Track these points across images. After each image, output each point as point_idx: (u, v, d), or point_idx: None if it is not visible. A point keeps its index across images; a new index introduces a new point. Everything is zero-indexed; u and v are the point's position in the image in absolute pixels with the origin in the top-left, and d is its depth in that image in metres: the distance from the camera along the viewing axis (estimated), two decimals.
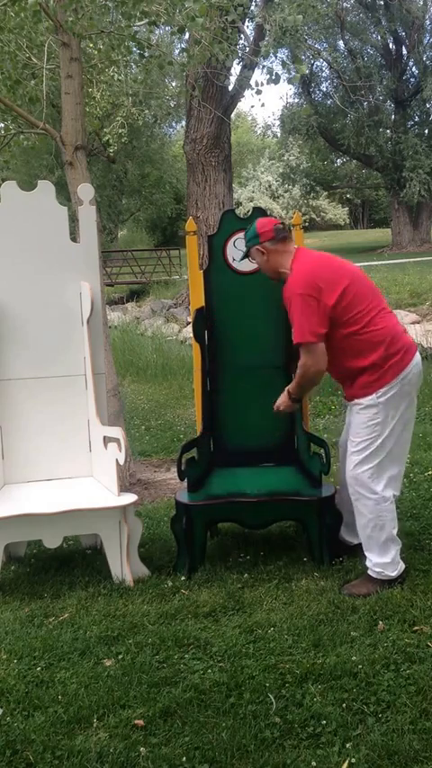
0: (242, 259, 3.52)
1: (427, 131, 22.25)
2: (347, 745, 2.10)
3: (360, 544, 3.23)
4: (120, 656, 2.62)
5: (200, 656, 2.61)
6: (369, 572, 3.12)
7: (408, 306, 10.15)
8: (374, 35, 21.43)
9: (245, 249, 3.38)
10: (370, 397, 3.07)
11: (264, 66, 8.78)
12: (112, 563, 3.25)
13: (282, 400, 3.31)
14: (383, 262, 17.03)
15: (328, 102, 22.58)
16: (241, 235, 3.57)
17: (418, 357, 3.16)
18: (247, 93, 32.68)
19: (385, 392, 3.05)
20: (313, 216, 37.24)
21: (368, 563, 3.14)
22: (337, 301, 3.04)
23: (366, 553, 3.16)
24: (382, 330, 3.09)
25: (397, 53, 22.07)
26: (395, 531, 3.12)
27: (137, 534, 3.32)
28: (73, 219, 3.74)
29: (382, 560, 3.10)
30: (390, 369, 3.06)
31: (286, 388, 3.29)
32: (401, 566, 3.14)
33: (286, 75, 8.48)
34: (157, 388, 8.65)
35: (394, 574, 3.11)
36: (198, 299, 3.63)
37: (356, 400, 3.12)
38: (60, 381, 3.63)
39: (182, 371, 8.98)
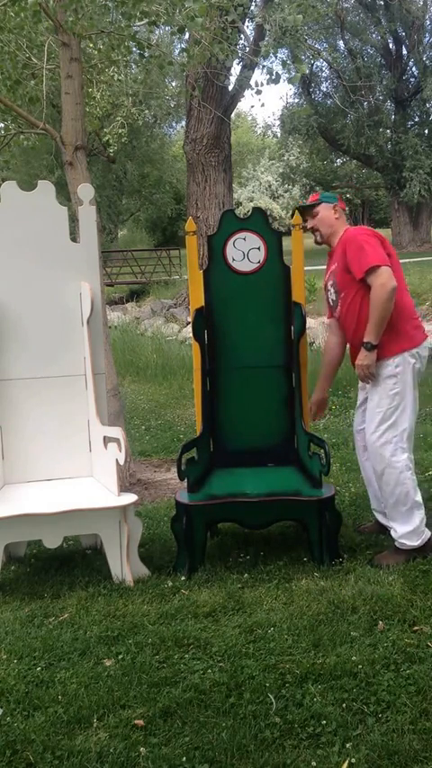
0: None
1: (427, 131, 22.24)
2: (347, 745, 2.10)
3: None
4: (120, 656, 2.62)
5: (200, 656, 2.61)
6: (396, 543, 3.30)
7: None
8: (374, 35, 21.42)
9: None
10: (388, 366, 3.25)
11: (264, 67, 8.77)
12: (112, 563, 3.25)
13: (362, 358, 3.24)
14: None
15: (328, 102, 22.57)
16: (241, 235, 3.58)
17: (430, 341, 3.42)
18: (247, 93, 32.64)
19: (401, 362, 3.25)
20: None
21: (393, 534, 3.32)
22: (387, 252, 3.28)
23: (391, 523, 3.34)
24: (408, 309, 3.34)
25: (397, 53, 22.07)
26: (418, 498, 3.29)
27: (137, 534, 3.32)
28: (73, 219, 3.74)
29: (406, 529, 3.27)
30: (404, 337, 3.27)
31: (362, 344, 3.24)
32: (426, 534, 3.30)
33: (286, 75, 8.45)
34: (157, 388, 8.65)
35: (417, 543, 3.27)
36: (198, 299, 3.63)
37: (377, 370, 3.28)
38: (60, 381, 3.63)
39: (182, 371, 8.98)
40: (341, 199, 3.60)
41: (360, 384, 3.53)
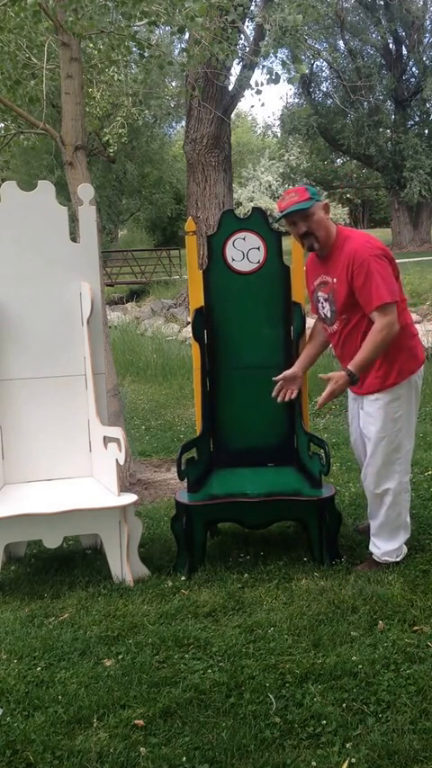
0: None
1: (427, 131, 22.22)
2: (347, 745, 2.10)
3: None
4: (120, 656, 2.62)
5: (200, 656, 2.61)
6: (376, 557, 3.26)
7: (408, 306, 10.13)
8: (374, 35, 21.39)
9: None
10: (393, 392, 3.11)
11: (264, 66, 8.78)
12: (112, 563, 3.26)
13: (338, 383, 3.00)
14: None
15: (328, 102, 22.56)
16: (241, 235, 3.57)
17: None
18: (247, 93, 32.68)
19: (406, 385, 3.14)
20: None
21: (374, 549, 3.27)
22: (394, 271, 3.09)
23: (374, 539, 3.28)
24: (411, 325, 3.22)
25: (397, 53, 22.04)
26: (408, 519, 3.28)
27: (137, 534, 3.32)
28: (73, 219, 3.74)
29: (389, 547, 3.24)
30: (411, 356, 3.16)
31: (344, 372, 3.01)
32: (405, 550, 3.29)
33: (286, 75, 8.45)
34: (157, 388, 8.65)
35: (398, 559, 3.25)
36: (197, 299, 3.63)
37: (376, 395, 3.14)
38: (60, 381, 3.63)
39: (182, 371, 8.98)
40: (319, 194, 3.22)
41: (351, 396, 3.38)
